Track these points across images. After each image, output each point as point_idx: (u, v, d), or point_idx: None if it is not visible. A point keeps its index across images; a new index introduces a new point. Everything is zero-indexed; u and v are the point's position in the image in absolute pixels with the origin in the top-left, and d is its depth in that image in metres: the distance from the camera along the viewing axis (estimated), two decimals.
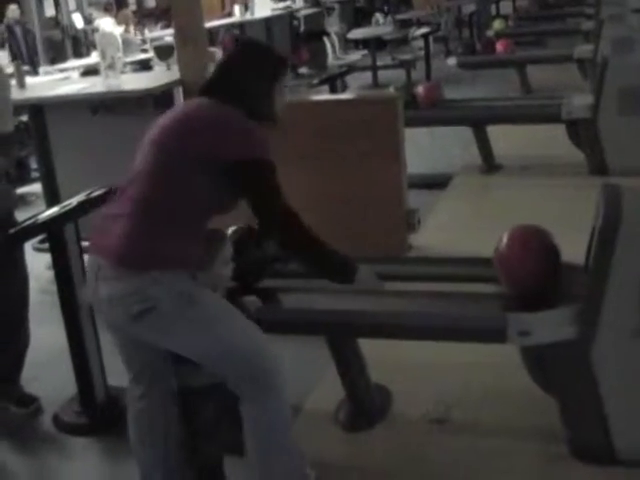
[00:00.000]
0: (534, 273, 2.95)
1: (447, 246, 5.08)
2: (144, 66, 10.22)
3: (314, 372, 3.74)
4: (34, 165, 7.81)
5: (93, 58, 10.53)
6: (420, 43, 13.27)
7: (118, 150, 5.70)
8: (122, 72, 6.66)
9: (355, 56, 14.09)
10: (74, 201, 3.80)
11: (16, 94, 5.41)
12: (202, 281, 2.70)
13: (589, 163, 6.51)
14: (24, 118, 6.98)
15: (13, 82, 5.89)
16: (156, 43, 9.40)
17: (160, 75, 6.83)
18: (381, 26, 15.19)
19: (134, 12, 15.95)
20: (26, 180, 8.22)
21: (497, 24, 12.96)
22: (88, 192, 3.88)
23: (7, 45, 13.21)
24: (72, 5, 16.26)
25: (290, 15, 14.99)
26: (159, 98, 5.70)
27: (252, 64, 2.86)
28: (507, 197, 6.29)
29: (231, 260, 3.11)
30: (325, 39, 13.43)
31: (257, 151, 2.70)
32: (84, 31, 15.78)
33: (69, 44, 15.76)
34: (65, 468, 3.68)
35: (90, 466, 3.67)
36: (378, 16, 15.88)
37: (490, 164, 7.06)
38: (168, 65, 7.14)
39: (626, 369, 2.92)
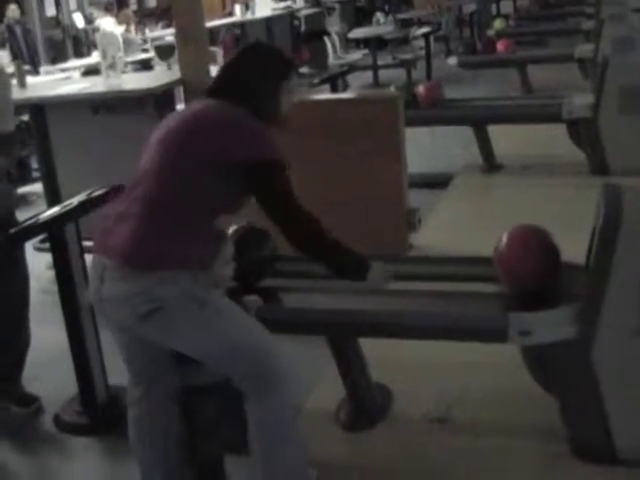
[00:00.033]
0: (534, 272, 2.95)
1: (448, 245, 5.08)
2: (145, 66, 10.23)
3: (315, 371, 3.74)
4: (35, 165, 7.81)
5: (94, 58, 10.54)
6: (421, 42, 13.27)
7: (119, 150, 5.74)
8: (123, 72, 6.66)
9: (356, 55, 14.09)
10: (75, 201, 3.80)
11: (17, 94, 5.42)
12: (203, 281, 2.70)
13: (590, 163, 6.51)
14: (25, 118, 6.98)
15: (14, 82, 5.89)
16: (157, 43, 9.42)
17: (161, 75, 6.84)
18: (382, 26, 15.20)
19: (135, 12, 15.94)
20: (27, 180, 8.23)
21: (498, 24, 12.96)
22: (89, 192, 3.88)
23: (8, 45, 13.20)
24: (73, 5, 16.27)
25: (291, 15, 15.01)
26: (160, 98, 5.71)
27: (259, 65, 2.86)
28: (508, 197, 6.29)
29: (232, 260, 3.11)
30: (326, 39, 13.42)
31: (267, 151, 2.71)
32: (85, 31, 15.79)
33: (70, 44, 15.77)
34: (66, 468, 3.68)
35: (91, 466, 3.67)
36: (379, 15, 15.88)
37: (491, 164, 7.06)
38: (169, 65, 7.15)
39: (627, 368, 2.92)
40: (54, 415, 3.96)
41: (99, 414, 3.86)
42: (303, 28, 14.88)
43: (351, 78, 12.25)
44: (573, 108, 6.48)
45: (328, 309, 3.19)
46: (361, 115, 5.16)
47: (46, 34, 15.29)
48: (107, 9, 13.97)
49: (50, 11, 15.80)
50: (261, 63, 2.87)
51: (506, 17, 14.38)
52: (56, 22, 15.92)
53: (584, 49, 9.49)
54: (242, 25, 13.93)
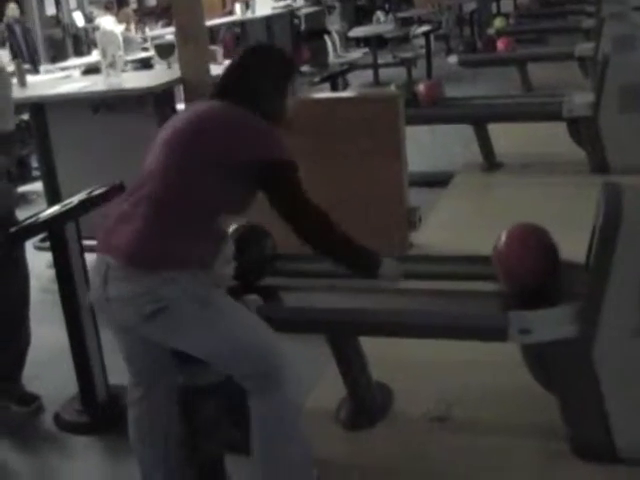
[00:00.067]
0: (532, 271, 2.96)
1: (448, 244, 5.08)
2: (145, 64, 10.24)
3: (315, 370, 3.74)
4: (35, 164, 7.81)
5: (94, 57, 10.53)
6: (421, 41, 13.27)
7: (119, 148, 5.75)
8: (123, 70, 6.66)
9: (356, 54, 14.10)
10: (75, 200, 3.80)
11: (17, 93, 5.42)
12: (203, 280, 2.70)
13: (590, 161, 6.50)
14: (25, 117, 6.98)
15: (14, 80, 5.89)
16: (157, 41, 9.41)
17: (161, 73, 6.83)
18: (382, 24, 15.21)
19: (135, 10, 15.93)
20: (27, 179, 8.22)
21: (498, 22, 12.95)
22: (89, 191, 3.88)
23: (7, 44, 13.20)
24: (73, 3, 16.27)
25: (291, 13, 15.00)
26: (160, 97, 5.71)
27: (262, 66, 2.87)
28: (508, 195, 6.29)
29: (232, 259, 3.11)
30: (326, 37, 13.43)
31: (276, 152, 2.72)
32: (85, 29, 15.78)
33: (70, 42, 15.76)
34: (66, 467, 3.68)
35: (91, 465, 3.67)
36: (379, 14, 15.90)
37: (491, 162, 7.06)
38: (169, 63, 7.14)
39: (627, 367, 2.92)
40: (54, 414, 3.96)
41: (99, 413, 3.86)
42: (303, 27, 14.88)
43: (351, 77, 12.26)
44: (573, 106, 6.48)
45: (328, 308, 3.20)
46: (361, 114, 5.16)
47: (46, 33, 15.29)
48: (107, 8, 13.97)
49: (50, 10, 15.80)
50: (264, 64, 2.88)
51: (506, 15, 14.38)
52: (56, 21, 15.92)
53: (584, 47, 9.48)
54: (242, 24, 13.92)
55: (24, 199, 7.48)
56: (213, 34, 13.06)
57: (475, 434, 3.36)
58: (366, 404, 3.50)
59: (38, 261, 5.03)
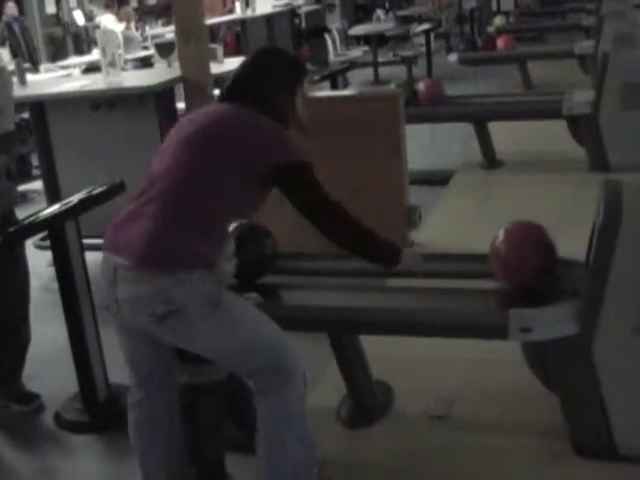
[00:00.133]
0: (528, 268, 2.95)
1: (448, 242, 5.08)
2: (145, 63, 10.24)
3: (316, 369, 3.73)
4: (35, 162, 7.81)
5: (94, 55, 10.53)
6: (421, 39, 13.29)
7: (119, 147, 5.76)
8: (123, 69, 6.67)
9: (356, 52, 14.12)
10: (75, 198, 3.80)
11: (17, 91, 5.43)
12: (211, 280, 2.69)
13: (590, 159, 6.51)
14: (25, 115, 6.99)
15: (14, 79, 5.90)
16: (157, 40, 9.41)
17: (161, 72, 6.85)
18: (382, 22, 15.22)
19: (135, 9, 15.90)
20: (27, 177, 8.23)
21: (498, 20, 12.97)
22: (89, 189, 3.88)
23: (7, 43, 13.19)
24: (73, 2, 16.24)
25: (291, 12, 14.98)
26: (160, 95, 5.71)
27: (274, 68, 2.88)
28: (508, 193, 6.29)
29: (234, 256, 3.11)
30: (326, 36, 13.44)
31: (290, 154, 2.73)
32: (85, 28, 15.76)
33: (70, 41, 15.75)
34: (66, 466, 3.68)
35: (91, 464, 3.67)
36: (379, 12, 15.91)
37: (491, 160, 7.06)
38: (169, 62, 7.16)
39: (627, 365, 2.92)
40: (55, 413, 3.96)
41: (100, 412, 3.86)
42: (304, 25, 14.87)
43: (351, 75, 12.26)
44: (573, 104, 6.48)
45: (329, 306, 3.20)
46: (361, 112, 5.16)
47: (46, 31, 15.26)
48: (107, 6, 13.96)
49: (50, 8, 15.78)
50: (275, 66, 2.89)
51: (506, 14, 14.40)
52: (56, 19, 15.90)
53: (584, 45, 9.49)
54: (242, 22, 13.90)
55: (24, 198, 7.48)
56: (213, 33, 13.05)
57: (475, 432, 3.36)
58: (366, 402, 3.50)
59: (38, 260, 5.04)
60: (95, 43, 11.23)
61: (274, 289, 3.33)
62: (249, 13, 13.86)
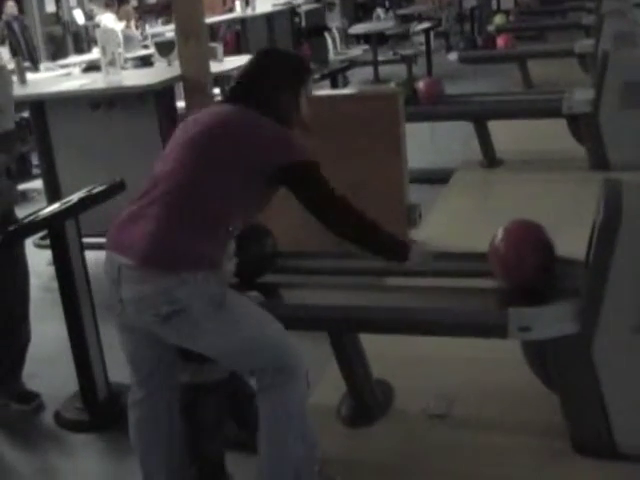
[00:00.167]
0: (526, 267, 2.95)
1: (448, 241, 5.08)
2: (145, 62, 10.23)
3: (316, 368, 3.73)
4: (35, 161, 7.81)
5: (94, 54, 10.53)
6: (421, 38, 13.30)
7: (119, 146, 5.76)
8: (123, 68, 6.67)
9: (356, 51, 14.12)
10: (75, 197, 3.80)
11: (17, 90, 5.42)
12: (216, 280, 2.69)
13: (590, 158, 6.50)
14: (25, 114, 6.98)
15: (14, 78, 5.90)
16: (157, 39, 9.41)
17: (161, 71, 6.84)
18: (382, 21, 15.22)
19: (135, 8, 15.88)
20: (27, 176, 8.22)
21: (498, 19, 12.96)
22: (89, 188, 3.88)
23: (7, 42, 13.19)
24: (73, 1, 16.24)
25: (291, 10, 14.96)
26: (160, 94, 5.71)
27: (278, 70, 2.88)
28: (508, 192, 6.28)
29: (233, 255, 3.11)
30: (326, 34, 13.44)
31: (296, 154, 2.74)
32: (85, 27, 15.77)
33: (70, 40, 15.75)
34: (66, 465, 3.68)
35: (91, 463, 3.68)
36: (379, 11, 15.91)
37: (491, 159, 7.05)
38: (169, 61, 7.15)
39: (627, 364, 2.92)
40: (55, 412, 3.96)
41: (100, 411, 3.86)
42: (304, 24, 14.87)
43: (351, 74, 12.26)
44: (573, 103, 6.48)
45: (328, 305, 3.19)
46: (361, 111, 5.16)
47: (46, 30, 15.27)
48: (107, 5, 13.93)
49: (50, 7, 15.78)
50: (279, 68, 2.89)
51: (506, 12, 14.39)
52: (56, 18, 15.90)
53: (584, 44, 9.48)
54: (242, 21, 13.88)
55: (24, 197, 7.49)
56: (213, 31, 13.04)
57: (475, 431, 3.36)
58: (366, 401, 3.50)
59: (38, 259, 5.04)
60: (95, 42, 11.22)
61: (274, 288, 3.33)
62: (249, 12, 13.85)
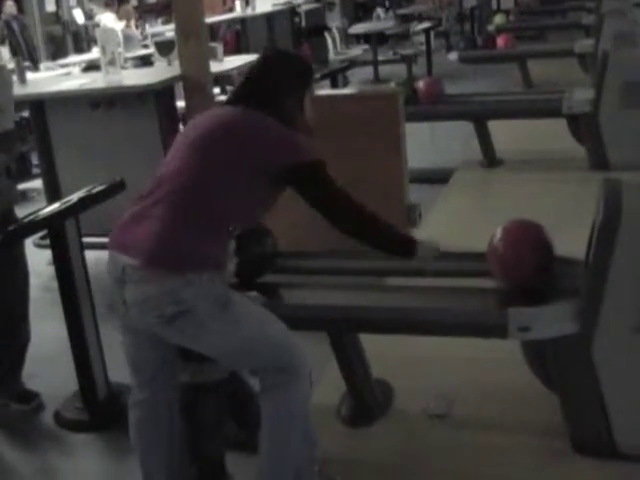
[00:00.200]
0: (525, 267, 2.95)
1: (448, 241, 5.04)
2: (145, 62, 10.23)
3: (316, 367, 3.73)
4: (35, 161, 7.81)
5: (94, 54, 10.53)
6: (421, 38, 13.30)
7: (119, 146, 5.76)
8: (123, 68, 6.67)
9: (356, 51, 14.12)
10: (75, 197, 3.80)
11: (17, 90, 5.42)
12: (221, 281, 2.69)
13: (590, 158, 6.50)
14: (25, 114, 6.98)
15: (14, 78, 5.90)
16: (157, 38, 9.42)
17: (161, 70, 6.84)
18: (382, 21, 15.22)
19: (135, 7, 15.88)
20: (27, 176, 8.22)
21: (498, 19, 12.96)
22: (89, 188, 3.88)
23: (7, 41, 13.19)
24: (73, 0, 16.24)
25: (291, 10, 14.97)
26: (160, 94, 5.71)
27: (281, 72, 2.88)
28: (508, 192, 6.28)
29: (233, 255, 3.11)
30: (326, 34, 13.43)
31: (305, 154, 2.75)
32: (85, 26, 15.76)
33: (70, 40, 15.74)
34: (66, 465, 3.68)
35: (91, 463, 3.68)
36: (379, 11, 15.91)
37: (491, 159, 7.05)
38: (169, 60, 7.16)
39: (627, 364, 2.92)
40: (54, 412, 3.96)
41: (99, 410, 3.86)
42: (304, 24, 14.87)
43: (351, 73, 12.26)
44: (573, 103, 6.48)
45: (328, 305, 3.19)
46: (361, 111, 5.15)
47: (46, 30, 15.26)
48: (107, 5, 13.93)
49: (50, 7, 15.77)
50: (283, 70, 2.89)
51: (506, 12, 14.39)
52: (56, 18, 15.89)
53: (584, 44, 9.48)
54: (242, 21, 13.88)
55: (24, 196, 7.49)
56: (213, 31, 13.04)
57: (475, 431, 3.36)
58: (366, 401, 3.50)
59: (38, 258, 5.04)
60: (95, 41, 11.22)
61: (274, 288, 3.32)
62: (249, 12, 13.86)
